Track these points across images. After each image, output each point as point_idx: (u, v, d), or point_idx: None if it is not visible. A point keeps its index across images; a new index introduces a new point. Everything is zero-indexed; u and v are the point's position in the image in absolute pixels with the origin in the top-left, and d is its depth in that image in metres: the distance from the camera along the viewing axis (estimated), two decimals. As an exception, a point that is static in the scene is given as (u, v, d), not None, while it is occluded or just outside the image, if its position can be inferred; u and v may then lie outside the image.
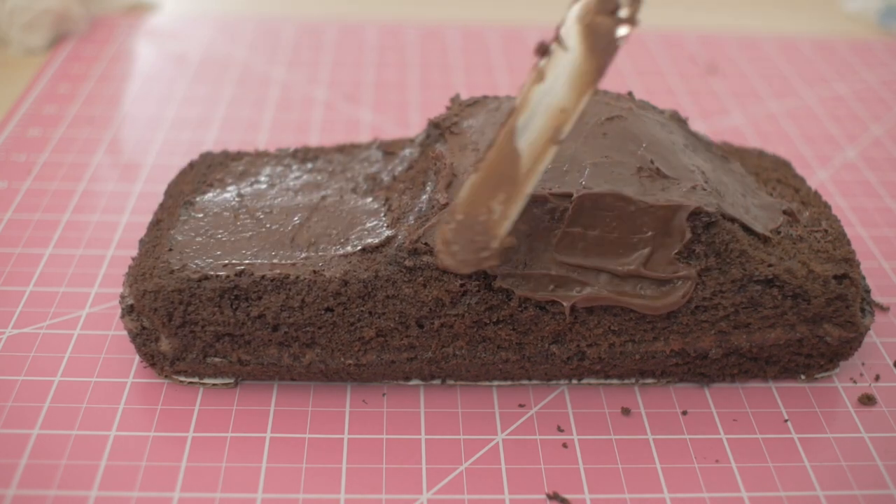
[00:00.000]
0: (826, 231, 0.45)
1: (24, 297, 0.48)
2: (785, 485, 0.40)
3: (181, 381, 0.43)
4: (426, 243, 0.40)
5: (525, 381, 0.44)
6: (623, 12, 0.31)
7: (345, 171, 0.49)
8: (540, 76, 0.33)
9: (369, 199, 0.46)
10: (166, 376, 0.43)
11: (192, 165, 0.50)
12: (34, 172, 0.57)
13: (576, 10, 0.32)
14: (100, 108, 0.65)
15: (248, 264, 0.42)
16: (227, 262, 0.42)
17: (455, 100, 0.49)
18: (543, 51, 0.32)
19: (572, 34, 0.31)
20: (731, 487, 0.40)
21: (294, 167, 0.49)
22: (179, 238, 0.44)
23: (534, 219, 0.39)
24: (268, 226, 0.44)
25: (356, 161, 0.49)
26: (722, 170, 0.47)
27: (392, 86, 0.70)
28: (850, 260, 0.43)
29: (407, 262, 0.41)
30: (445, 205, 0.41)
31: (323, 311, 0.41)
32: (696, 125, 0.66)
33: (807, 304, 0.42)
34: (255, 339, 0.42)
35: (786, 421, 0.43)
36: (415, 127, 0.65)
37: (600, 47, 0.31)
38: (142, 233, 0.49)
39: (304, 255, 0.42)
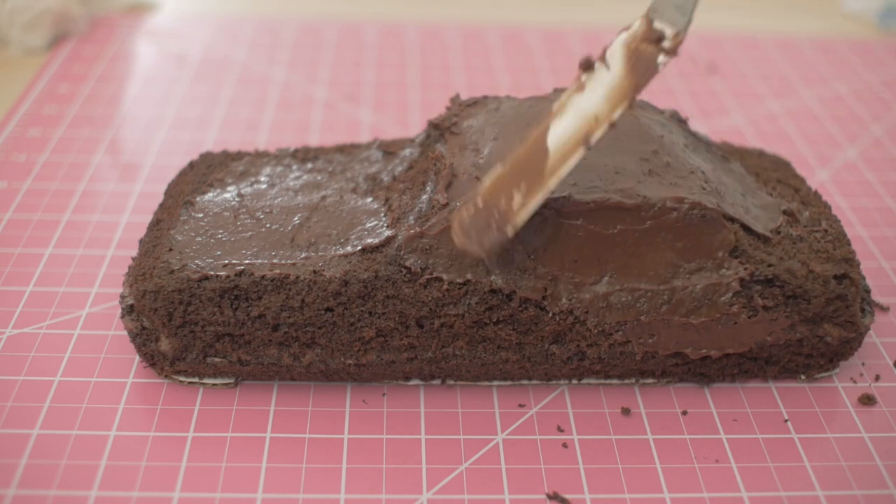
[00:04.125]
0: (826, 231, 0.45)
1: (24, 297, 0.48)
2: (785, 485, 0.40)
3: (181, 381, 0.43)
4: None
5: (525, 381, 0.44)
6: (666, 43, 0.35)
7: (345, 171, 0.49)
8: (580, 87, 0.36)
9: (369, 199, 0.46)
10: (166, 376, 0.43)
11: (192, 165, 0.50)
12: (34, 172, 0.57)
13: (623, 36, 0.35)
14: (100, 108, 0.65)
15: (248, 264, 0.42)
16: (227, 262, 0.42)
17: (455, 100, 0.49)
18: (588, 66, 0.36)
19: (617, 56, 0.35)
20: (731, 487, 0.40)
21: (294, 167, 0.49)
22: (179, 238, 0.44)
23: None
24: (268, 226, 0.44)
25: (356, 161, 0.49)
26: (722, 170, 0.47)
27: (392, 86, 0.70)
28: (850, 260, 0.43)
29: (407, 262, 0.41)
30: (445, 205, 0.41)
31: (323, 311, 0.41)
32: (696, 125, 0.66)
33: (807, 304, 0.42)
34: (255, 339, 0.42)
35: (786, 421, 0.43)
36: (415, 127, 0.65)
37: (640, 70, 0.35)
38: (142, 233, 0.49)
39: (304, 255, 0.42)
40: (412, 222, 0.42)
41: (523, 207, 0.37)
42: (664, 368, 0.44)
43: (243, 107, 0.66)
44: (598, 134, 0.36)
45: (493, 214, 0.37)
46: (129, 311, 0.42)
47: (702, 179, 0.43)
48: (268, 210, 0.45)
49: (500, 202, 0.37)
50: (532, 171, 0.36)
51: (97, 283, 0.49)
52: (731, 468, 0.41)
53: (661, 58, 0.35)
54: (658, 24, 0.35)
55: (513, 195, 0.37)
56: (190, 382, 0.43)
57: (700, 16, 0.85)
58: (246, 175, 0.49)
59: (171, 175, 0.54)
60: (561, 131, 0.36)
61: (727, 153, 0.51)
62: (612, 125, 0.36)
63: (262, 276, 0.41)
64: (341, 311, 0.41)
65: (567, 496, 0.39)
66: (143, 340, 0.42)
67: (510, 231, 0.37)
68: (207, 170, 0.49)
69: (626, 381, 0.44)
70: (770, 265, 0.42)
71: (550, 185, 0.37)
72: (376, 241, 0.42)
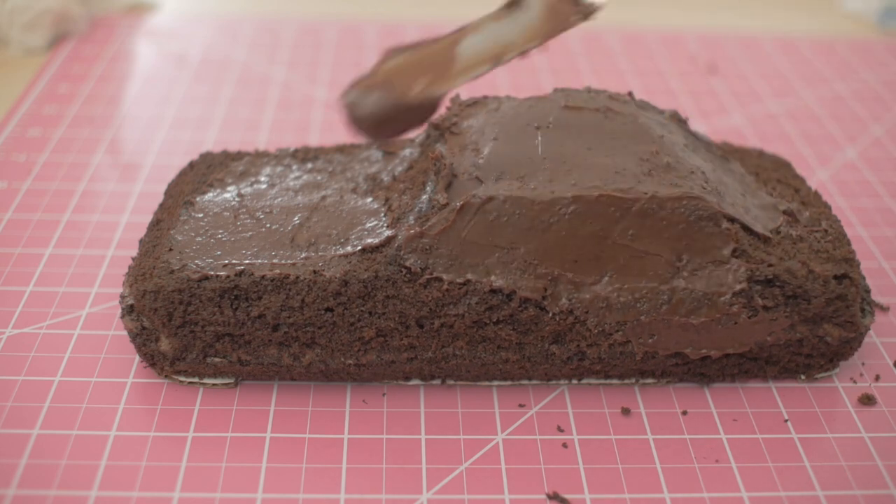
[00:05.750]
0: (826, 231, 0.45)
1: (24, 297, 0.48)
2: (785, 485, 0.40)
3: (181, 381, 0.43)
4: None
5: (525, 381, 0.44)
6: (581, 9, 0.40)
7: (345, 171, 0.49)
8: (499, 17, 0.42)
9: (369, 199, 0.46)
10: (166, 376, 0.43)
11: (192, 165, 0.50)
12: (34, 172, 0.57)
13: None
14: (100, 108, 0.65)
15: (248, 264, 0.42)
16: (227, 262, 0.42)
17: (455, 100, 0.49)
18: (512, 4, 0.42)
19: (537, 4, 0.41)
20: (731, 487, 0.40)
21: (294, 167, 0.49)
22: (179, 238, 0.44)
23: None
24: (268, 226, 0.44)
25: (356, 161, 0.49)
26: (722, 170, 0.47)
27: (392, 86, 0.70)
28: (850, 260, 0.43)
29: (407, 262, 0.41)
30: (445, 205, 0.41)
31: (323, 311, 0.41)
32: (696, 125, 0.66)
33: (807, 304, 0.42)
34: (255, 339, 0.42)
35: (786, 421, 0.43)
36: (415, 127, 0.65)
37: (554, 22, 0.41)
38: (142, 233, 0.49)
39: (304, 255, 0.42)
40: (412, 222, 0.42)
41: (420, 94, 0.42)
42: (664, 368, 0.44)
43: (243, 107, 0.66)
44: (508, 57, 0.41)
45: (389, 88, 0.42)
46: (129, 311, 0.42)
47: (702, 179, 0.43)
48: (268, 210, 0.45)
49: (400, 82, 0.42)
50: (439, 68, 0.42)
51: (97, 283, 0.49)
52: (731, 468, 0.41)
53: (574, 18, 0.40)
54: None
55: (415, 81, 0.42)
56: (190, 382, 0.43)
57: (700, 16, 0.85)
58: (246, 175, 0.49)
59: (171, 175, 0.54)
60: (473, 45, 0.42)
61: (727, 153, 0.51)
62: (523, 55, 0.41)
63: (262, 276, 0.41)
64: (341, 311, 0.41)
65: (567, 496, 0.39)
66: (143, 340, 0.42)
67: (396, 99, 0.42)
68: (207, 170, 0.49)
69: (626, 381, 0.44)
70: (770, 265, 0.42)
71: (454, 84, 0.42)
72: (376, 241, 0.42)
